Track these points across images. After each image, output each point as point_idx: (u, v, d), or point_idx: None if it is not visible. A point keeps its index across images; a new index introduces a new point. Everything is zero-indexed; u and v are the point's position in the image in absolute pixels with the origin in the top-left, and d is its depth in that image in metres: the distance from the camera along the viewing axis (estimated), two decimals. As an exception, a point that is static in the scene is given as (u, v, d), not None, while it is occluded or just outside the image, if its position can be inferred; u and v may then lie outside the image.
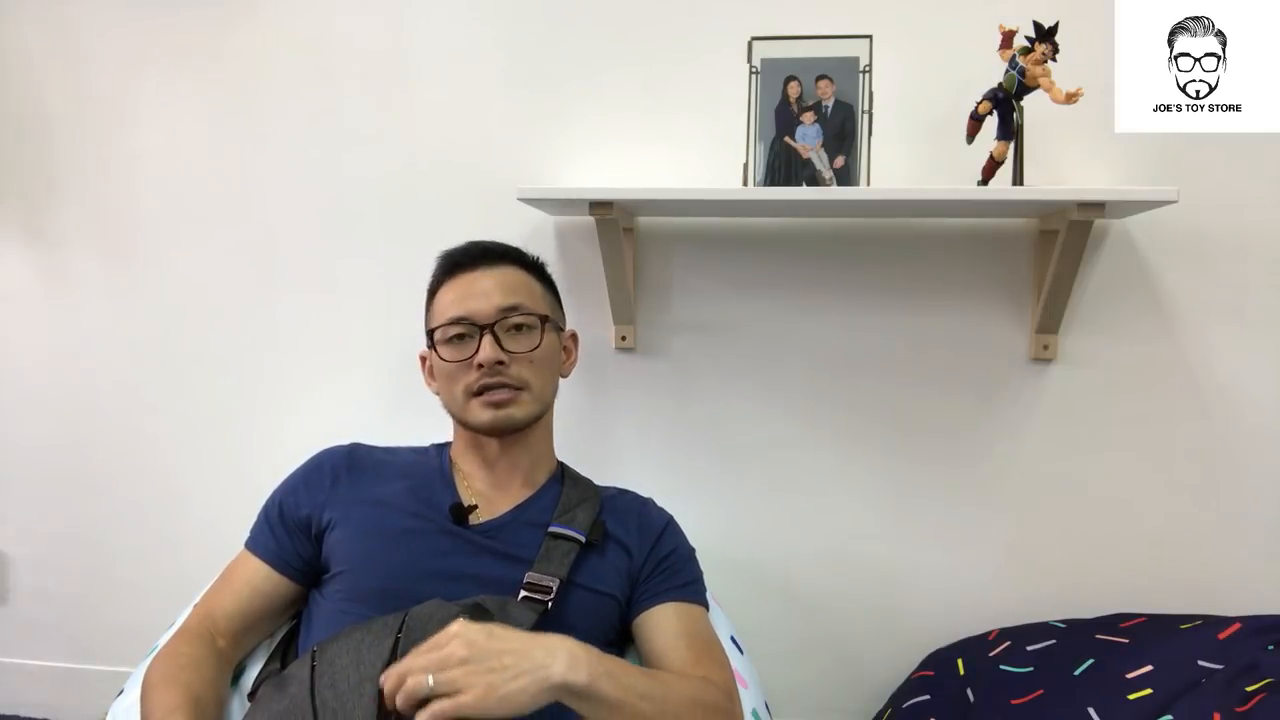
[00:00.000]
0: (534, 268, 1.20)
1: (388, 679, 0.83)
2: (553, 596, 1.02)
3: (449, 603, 0.97)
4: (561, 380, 1.22)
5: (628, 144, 1.60)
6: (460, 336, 1.11)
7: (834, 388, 1.60)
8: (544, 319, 1.14)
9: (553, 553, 1.07)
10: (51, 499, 1.84)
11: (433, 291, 1.18)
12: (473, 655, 0.82)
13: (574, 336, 1.26)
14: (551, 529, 1.10)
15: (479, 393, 1.10)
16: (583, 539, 1.09)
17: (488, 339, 1.09)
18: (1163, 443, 1.53)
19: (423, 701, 0.80)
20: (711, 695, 0.99)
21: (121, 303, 1.78)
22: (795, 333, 1.60)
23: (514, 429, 1.12)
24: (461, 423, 1.15)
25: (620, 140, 1.60)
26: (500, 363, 1.09)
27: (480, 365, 1.08)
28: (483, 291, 1.12)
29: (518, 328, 1.12)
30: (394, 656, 0.90)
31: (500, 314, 1.10)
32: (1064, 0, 1.39)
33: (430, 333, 1.15)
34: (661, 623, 1.08)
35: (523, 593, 1.02)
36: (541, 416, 1.17)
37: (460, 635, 0.84)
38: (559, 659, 0.84)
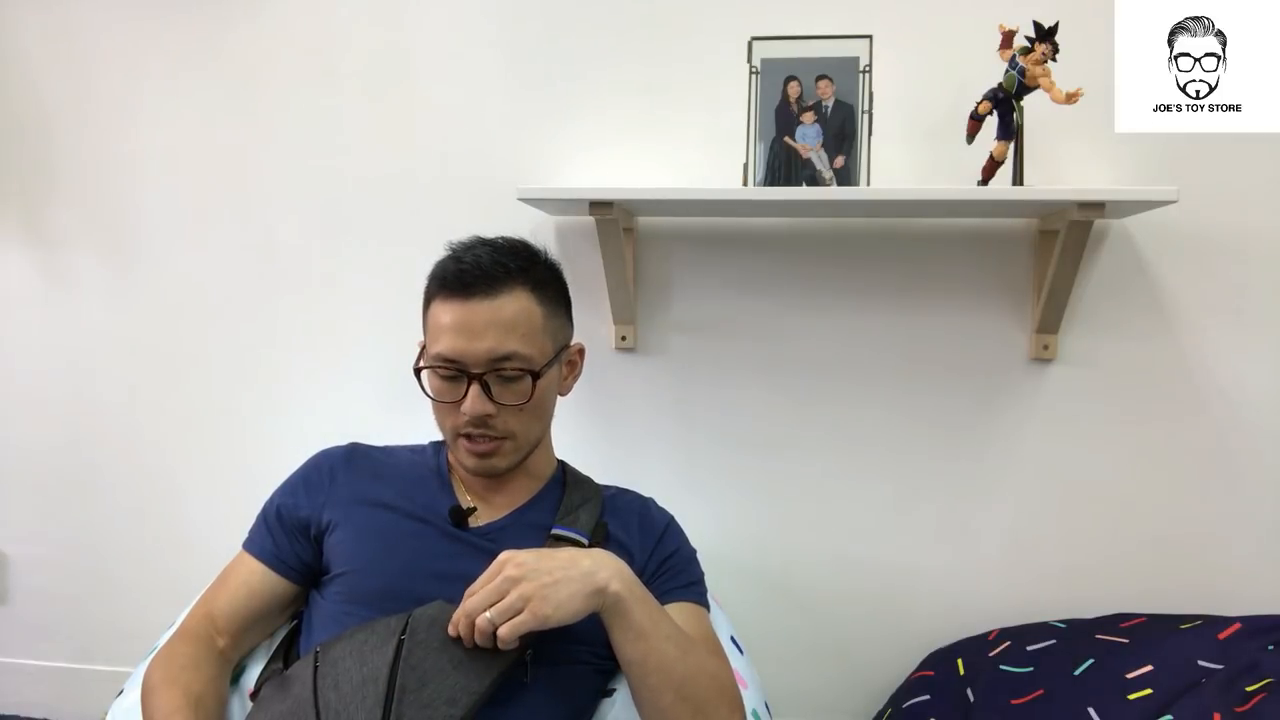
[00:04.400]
0: (541, 284, 1.08)
1: (456, 627, 0.91)
2: None
3: (452, 604, 0.97)
4: (569, 392, 1.20)
5: (628, 144, 1.60)
6: (450, 377, 1.05)
7: (834, 388, 1.60)
8: (536, 374, 1.04)
9: None
10: (51, 499, 1.84)
11: (428, 299, 1.09)
12: (525, 574, 0.90)
13: (581, 351, 1.18)
14: (554, 531, 1.09)
15: (464, 435, 1.07)
16: (585, 541, 1.08)
17: (475, 390, 1.02)
18: (1163, 442, 1.54)
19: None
20: (728, 678, 1.00)
21: (121, 303, 1.78)
22: (795, 333, 1.60)
23: (497, 476, 1.11)
24: (450, 452, 1.14)
25: (620, 140, 1.60)
26: (489, 414, 1.04)
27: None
28: (477, 330, 1.02)
29: (510, 377, 1.04)
30: (397, 659, 0.90)
31: (491, 365, 1.03)
32: (1064, 0, 1.39)
33: (423, 351, 1.09)
34: None
35: None
36: (527, 456, 1.12)
37: (511, 559, 0.92)
38: (604, 568, 0.93)
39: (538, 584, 0.89)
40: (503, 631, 0.87)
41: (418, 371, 1.08)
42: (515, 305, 1.04)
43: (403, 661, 0.90)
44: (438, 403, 1.08)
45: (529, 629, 0.88)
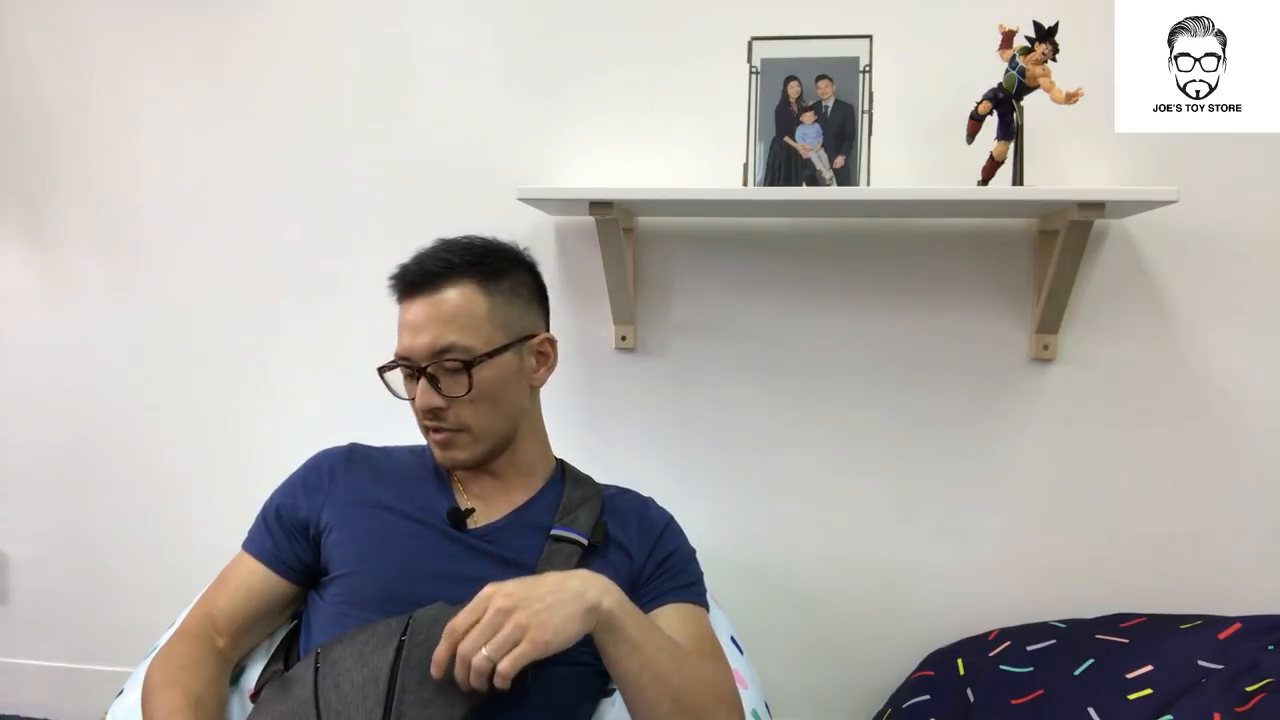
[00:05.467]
0: (492, 275, 1.08)
1: (440, 668, 0.87)
2: None
3: (454, 605, 0.97)
4: (561, 380, 1.20)
5: (628, 144, 1.60)
6: (407, 375, 1.08)
7: (834, 388, 1.60)
8: (471, 363, 1.04)
9: (554, 557, 1.06)
10: (51, 499, 1.84)
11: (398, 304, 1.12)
12: (516, 603, 0.86)
13: (551, 341, 1.16)
14: (553, 532, 1.09)
15: (426, 427, 1.09)
16: (584, 541, 1.08)
17: (422, 384, 1.05)
18: (1163, 443, 1.53)
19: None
20: (724, 682, 1.00)
21: (121, 303, 1.78)
22: (795, 333, 1.60)
23: (465, 468, 1.11)
24: None
25: (620, 140, 1.60)
26: (438, 407, 1.05)
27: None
28: (419, 325, 1.05)
29: (452, 369, 1.05)
30: (398, 659, 0.91)
31: (433, 358, 1.04)
32: (1064, 0, 1.39)
33: None
34: (664, 624, 1.07)
35: None
36: (497, 449, 1.11)
37: (496, 593, 0.88)
38: (593, 586, 0.91)
39: (531, 611, 0.85)
40: (503, 666, 0.83)
41: (381, 372, 1.09)
42: (456, 298, 1.06)
43: (403, 662, 0.90)
44: (406, 400, 1.10)
45: (531, 659, 0.84)
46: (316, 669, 0.92)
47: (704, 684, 0.96)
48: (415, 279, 1.07)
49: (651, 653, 0.92)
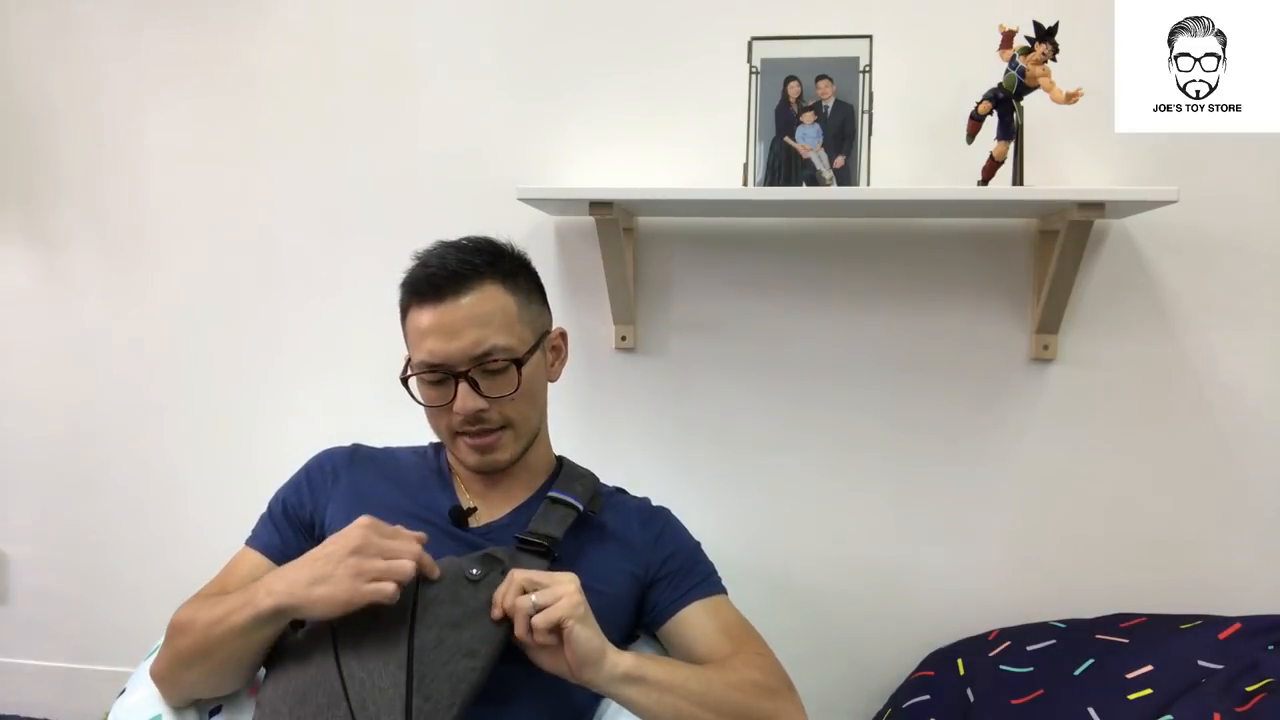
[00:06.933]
0: (510, 275, 1.09)
1: (504, 596, 0.92)
2: (552, 548, 1.04)
3: (459, 557, 0.98)
4: (561, 380, 1.20)
5: (628, 144, 1.60)
6: (437, 381, 1.06)
7: (834, 388, 1.60)
8: (520, 361, 1.05)
9: (549, 515, 1.07)
10: (51, 499, 1.84)
11: (404, 310, 1.09)
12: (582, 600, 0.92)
13: (563, 334, 1.18)
14: (550, 494, 1.10)
15: (461, 433, 1.07)
16: (580, 507, 1.09)
17: (464, 388, 1.03)
18: (1163, 443, 1.53)
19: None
20: (756, 672, 1.03)
21: (122, 303, 1.78)
22: (795, 333, 1.60)
23: (501, 470, 1.10)
24: (451, 453, 1.14)
25: (620, 140, 1.60)
26: (482, 409, 1.04)
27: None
28: (454, 329, 1.03)
29: (495, 370, 1.05)
30: (414, 618, 0.92)
31: (474, 361, 1.03)
32: (1064, 0, 1.39)
33: (408, 362, 1.10)
34: (695, 624, 1.09)
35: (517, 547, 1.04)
36: (528, 447, 1.12)
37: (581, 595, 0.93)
38: (621, 661, 0.94)
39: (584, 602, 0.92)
40: (535, 620, 0.89)
41: (404, 381, 1.08)
42: (488, 299, 1.05)
43: (419, 621, 0.91)
44: (431, 408, 1.08)
45: (560, 616, 0.89)
46: (334, 632, 0.92)
47: (748, 686, 0.99)
48: (440, 283, 1.04)
49: (680, 688, 0.95)
